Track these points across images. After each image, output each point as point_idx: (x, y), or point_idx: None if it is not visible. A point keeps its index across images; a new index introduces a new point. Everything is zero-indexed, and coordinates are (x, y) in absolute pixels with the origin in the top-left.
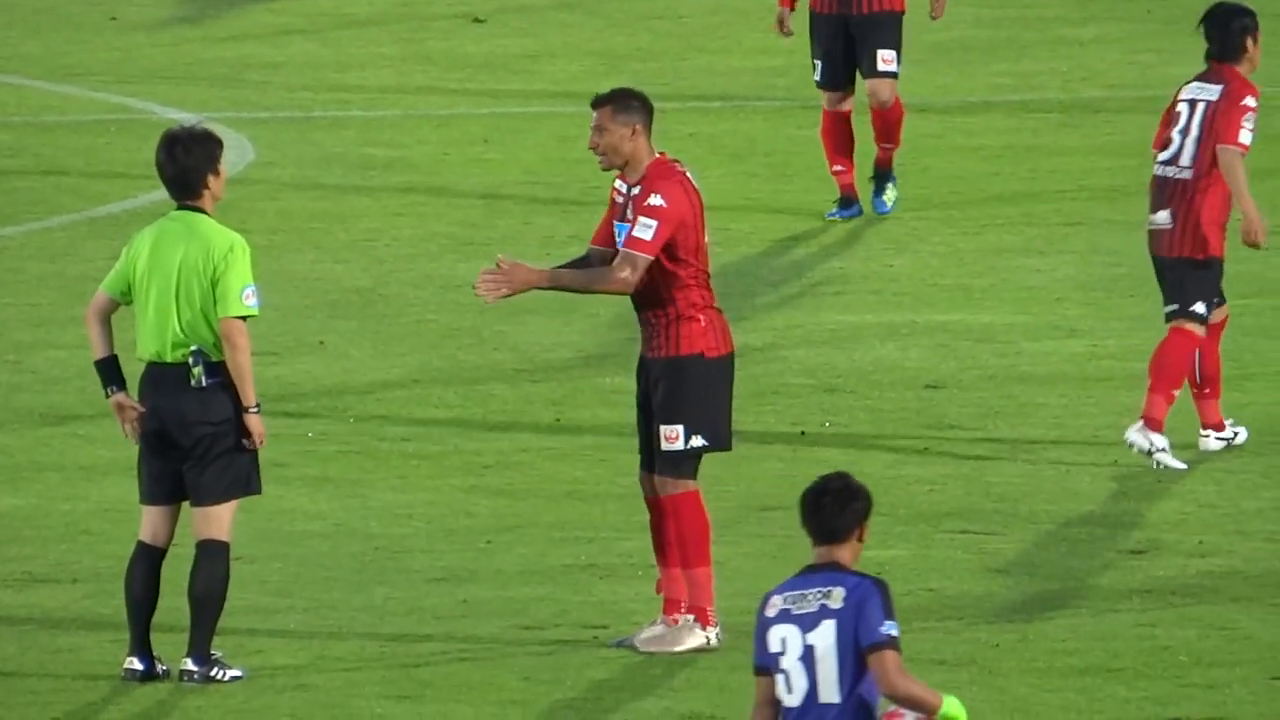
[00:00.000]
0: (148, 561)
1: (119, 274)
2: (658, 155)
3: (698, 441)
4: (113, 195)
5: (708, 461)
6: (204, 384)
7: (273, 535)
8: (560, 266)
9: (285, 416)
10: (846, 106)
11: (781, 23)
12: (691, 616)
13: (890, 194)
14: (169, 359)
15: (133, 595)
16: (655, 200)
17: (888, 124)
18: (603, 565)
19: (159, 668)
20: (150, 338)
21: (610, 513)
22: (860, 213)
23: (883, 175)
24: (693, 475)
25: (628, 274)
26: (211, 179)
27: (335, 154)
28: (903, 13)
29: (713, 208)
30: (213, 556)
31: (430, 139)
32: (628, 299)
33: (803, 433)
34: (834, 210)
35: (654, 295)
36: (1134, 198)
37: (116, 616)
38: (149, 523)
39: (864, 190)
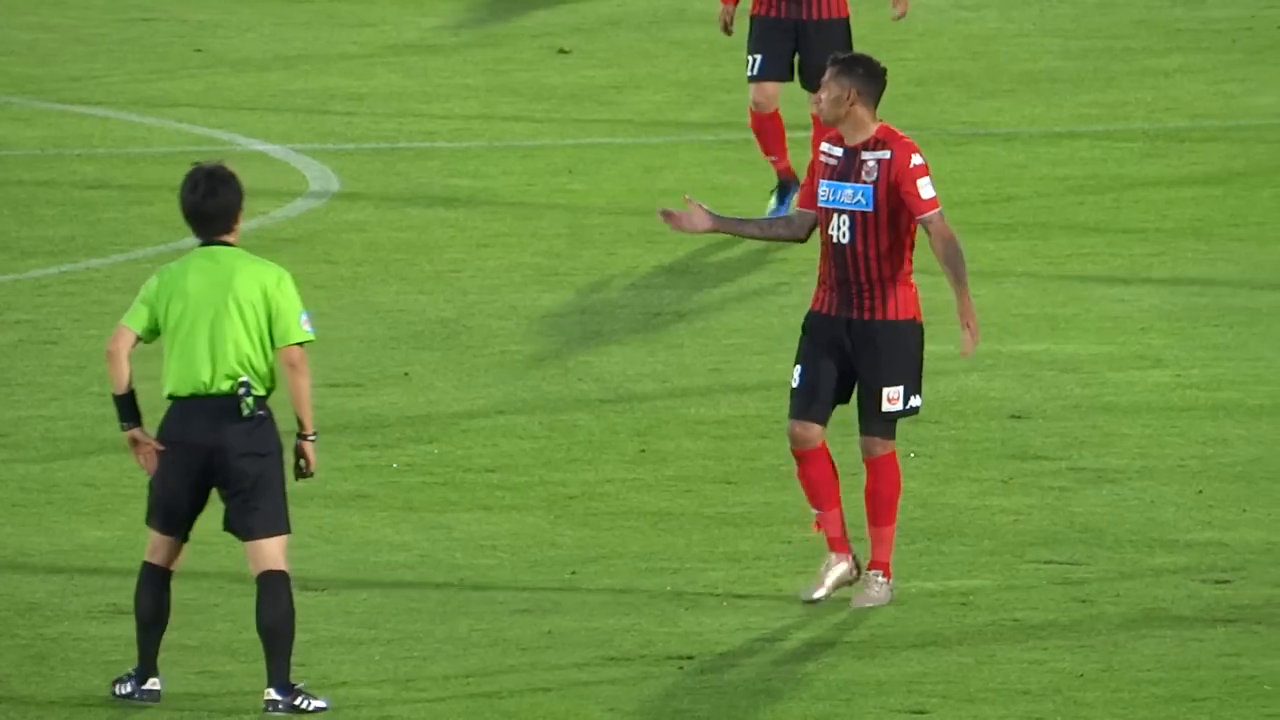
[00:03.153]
0: (159, 582)
1: (149, 311)
2: (882, 123)
3: (915, 401)
4: None
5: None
6: (254, 415)
7: (357, 566)
8: (740, 219)
9: (369, 448)
10: (777, 105)
11: (726, 25)
12: (880, 572)
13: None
14: (215, 390)
15: (143, 616)
16: (919, 160)
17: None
18: (689, 595)
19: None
20: (197, 370)
21: (695, 543)
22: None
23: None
24: (894, 436)
25: (950, 230)
26: (240, 215)
27: (420, 185)
28: (849, 18)
29: None
30: (275, 589)
31: (515, 170)
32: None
33: None
34: (776, 207)
35: (881, 256)
36: (1218, 227)
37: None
38: (161, 548)
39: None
